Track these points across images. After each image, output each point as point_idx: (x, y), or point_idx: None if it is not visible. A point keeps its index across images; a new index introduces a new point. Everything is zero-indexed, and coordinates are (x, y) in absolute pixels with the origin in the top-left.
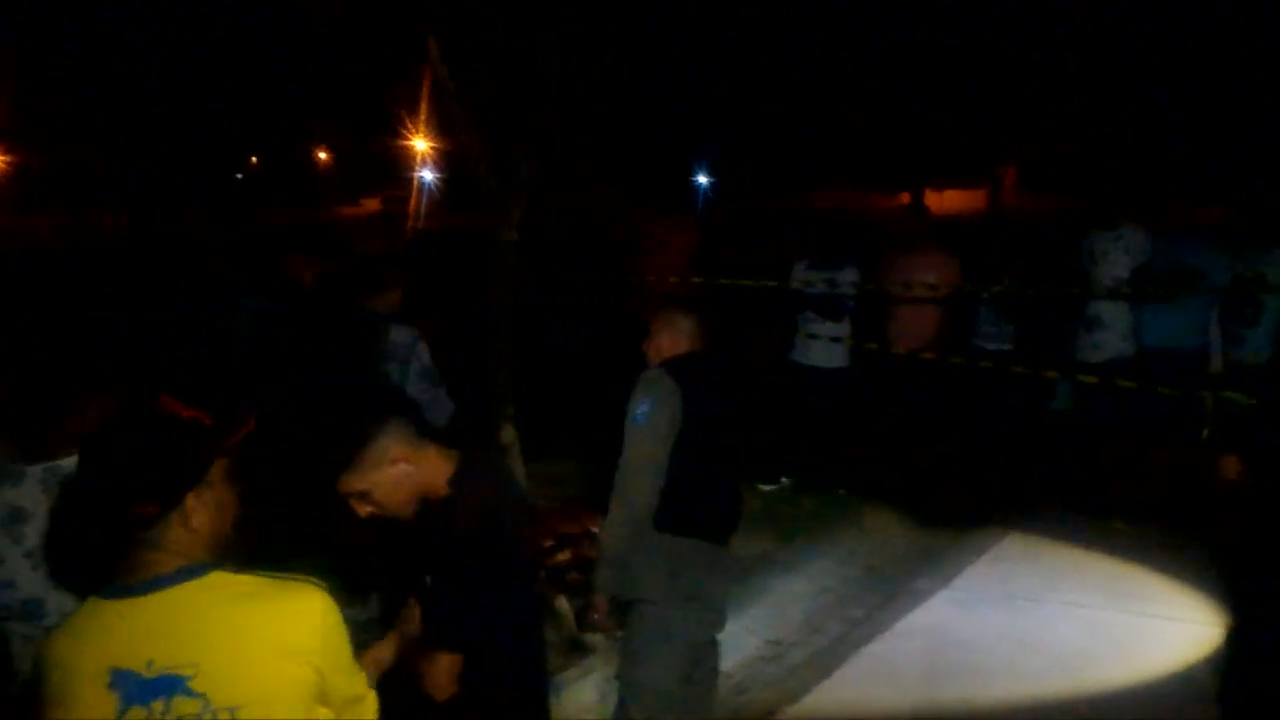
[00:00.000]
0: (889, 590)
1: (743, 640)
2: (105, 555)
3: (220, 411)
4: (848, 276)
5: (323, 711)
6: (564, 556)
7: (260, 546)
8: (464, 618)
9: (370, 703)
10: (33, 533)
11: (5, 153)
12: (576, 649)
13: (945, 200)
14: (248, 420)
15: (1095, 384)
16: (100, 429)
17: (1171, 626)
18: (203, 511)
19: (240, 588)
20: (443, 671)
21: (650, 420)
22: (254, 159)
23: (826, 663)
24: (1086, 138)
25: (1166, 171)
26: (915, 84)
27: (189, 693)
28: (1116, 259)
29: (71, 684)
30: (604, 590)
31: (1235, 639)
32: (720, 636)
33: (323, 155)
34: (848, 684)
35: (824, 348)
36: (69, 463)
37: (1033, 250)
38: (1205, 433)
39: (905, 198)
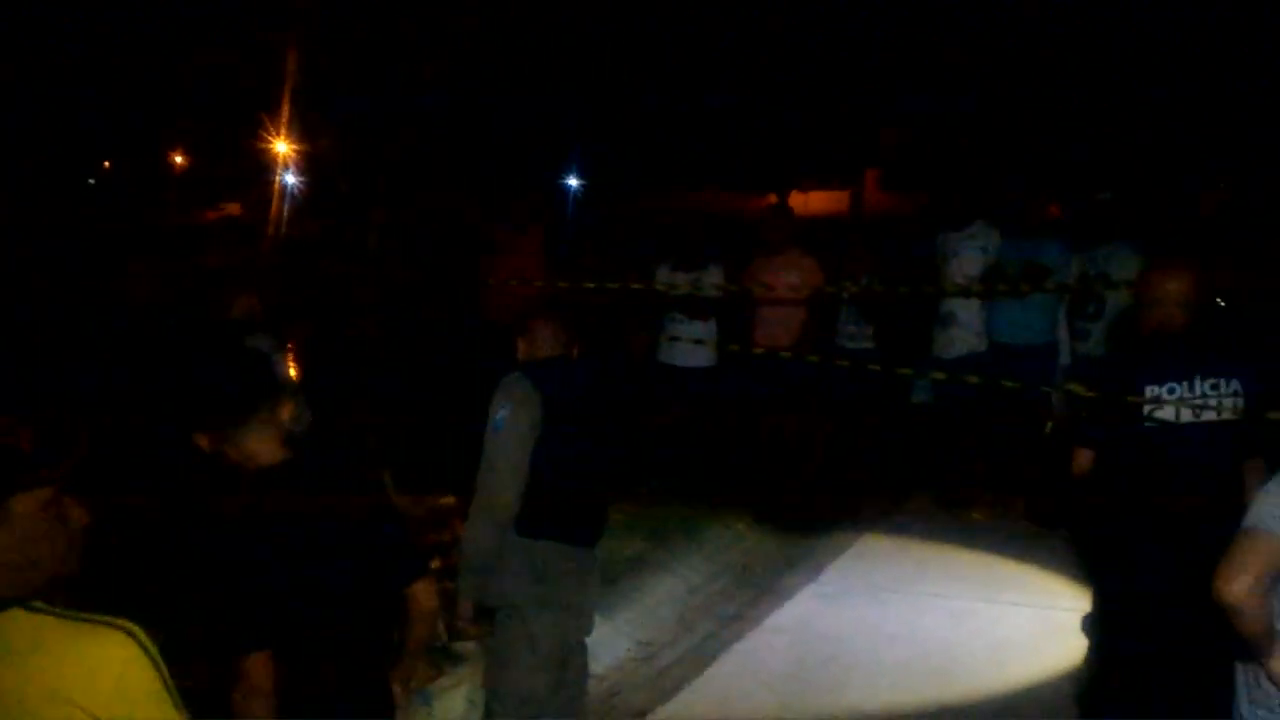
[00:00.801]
0: (758, 588)
1: (614, 642)
2: None
3: (42, 436)
4: (711, 278)
5: None
6: (435, 564)
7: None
8: None
9: None
10: None
11: None
12: (448, 658)
13: (811, 202)
14: (75, 443)
15: (949, 381)
16: None
17: (1032, 613)
18: (6, 543)
19: (35, 629)
20: None
21: (510, 424)
22: (106, 163)
23: (697, 661)
24: (941, 139)
25: (1015, 171)
26: (782, 86)
27: None
28: (968, 257)
29: None
30: (468, 596)
31: (1091, 625)
32: (591, 639)
33: (179, 159)
34: (718, 681)
35: (688, 349)
36: None
37: (891, 250)
38: (1049, 426)
39: (771, 199)
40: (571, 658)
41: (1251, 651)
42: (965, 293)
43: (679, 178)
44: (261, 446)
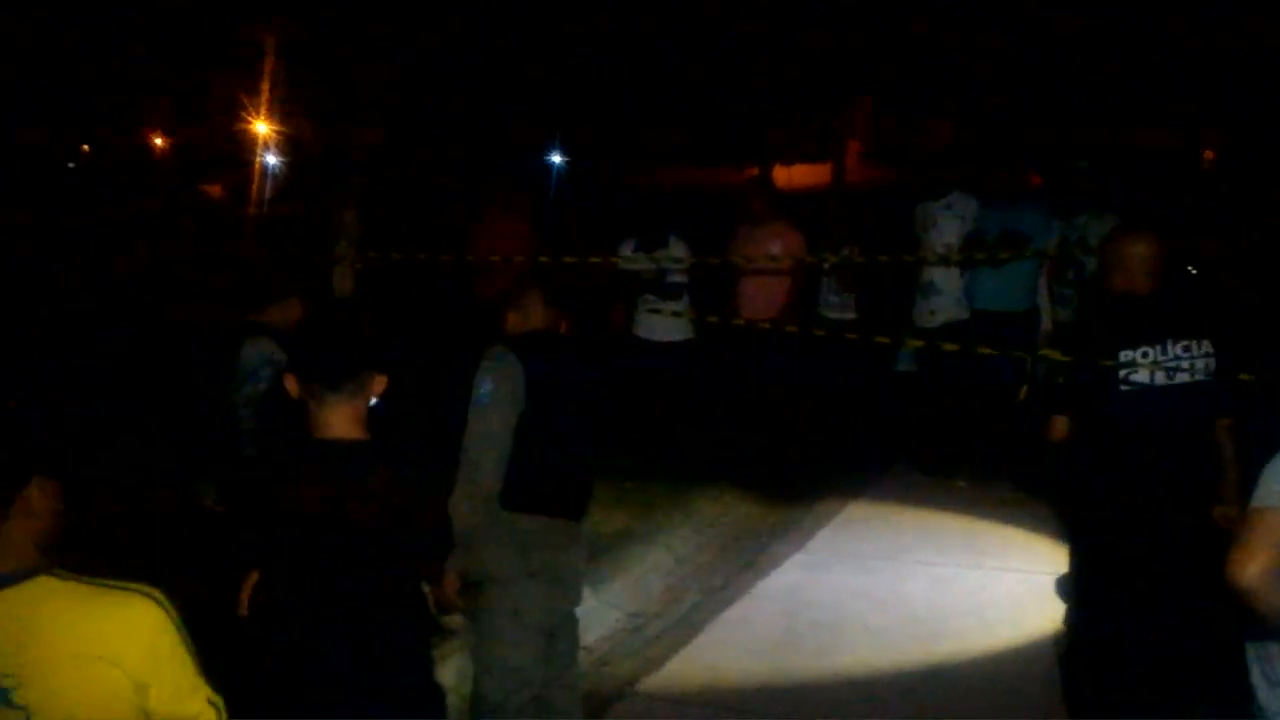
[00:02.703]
0: (745, 558)
1: (603, 614)
2: None
3: (34, 408)
4: (675, 252)
5: None
6: None
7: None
8: None
9: None
10: None
11: None
12: (435, 632)
13: (794, 175)
14: (61, 419)
15: (927, 348)
16: None
17: (1015, 578)
18: (39, 508)
19: (68, 594)
20: None
21: (493, 398)
22: (85, 147)
23: (686, 631)
24: (920, 110)
25: (993, 140)
26: (763, 58)
27: (11, 704)
28: (946, 226)
29: None
30: (454, 569)
31: (1067, 586)
32: (581, 611)
33: (159, 141)
34: (707, 650)
35: (664, 322)
36: None
37: (872, 221)
38: (1024, 391)
39: (754, 172)
40: (560, 629)
41: (1270, 631)
42: (944, 261)
43: (661, 152)
44: (335, 417)
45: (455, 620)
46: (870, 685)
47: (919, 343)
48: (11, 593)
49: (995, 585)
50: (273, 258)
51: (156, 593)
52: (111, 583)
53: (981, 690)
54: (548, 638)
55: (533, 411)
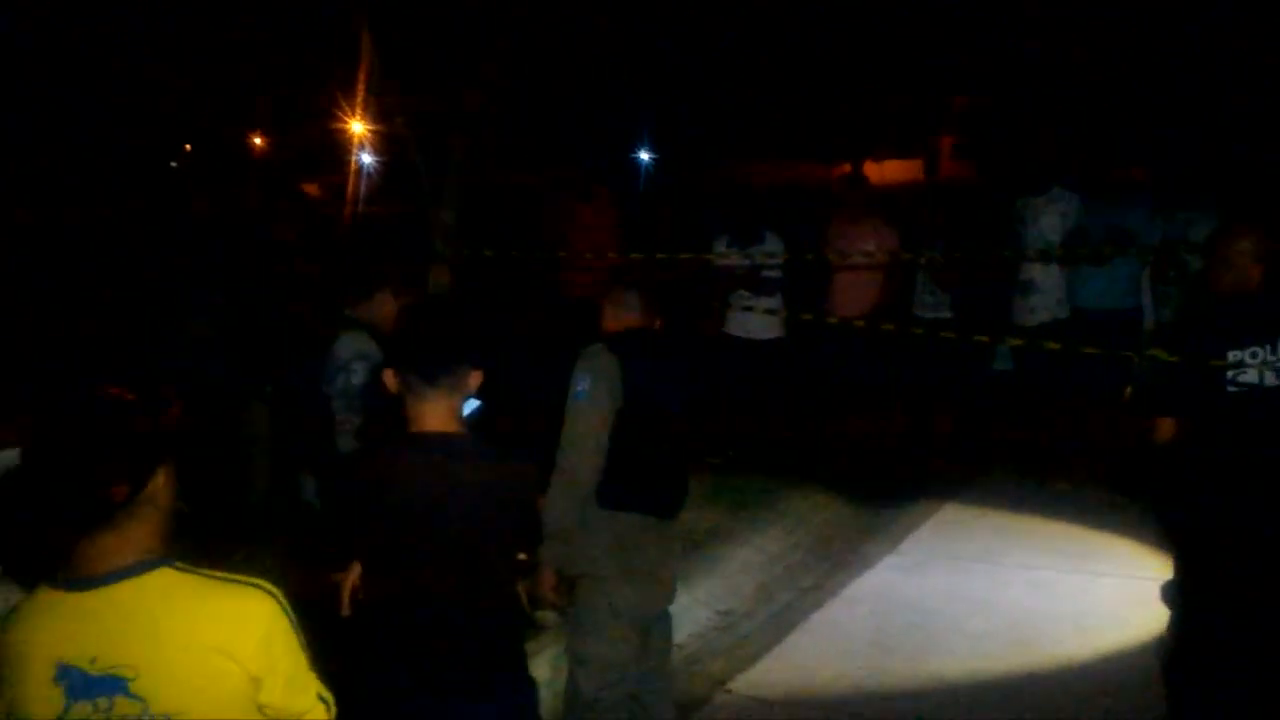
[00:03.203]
0: (837, 558)
1: (694, 612)
2: (56, 546)
3: (151, 396)
4: (769, 248)
5: None
6: None
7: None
8: None
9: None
10: None
11: None
12: (529, 627)
13: (886, 171)
14: (174, 406)
15: (1028, 347)
16: (48, 414)
17: (1117, 583)
18: (162, 496)
19: (186, 587)
20: None
21: (590, 396)
22: (187, 146)
23: (777, 631)
24: (1018, 103)
25: (1097, 134)
26: (855, 56)
27: (129, 695)
28: (1048, 222)
29: (22, 673)
30: (550, 565)
31: (1173, 593)
32: (672, 609)
33: (258, 140)
34: (798, 650)
35: (757, 320)
36: (8, 454)
37: (968, 217)
38: (1128, 392)
39: (846, 168)
40: (654, 626)
41: None
42: (1046, 258)
43: (752, 148)
44: (431, 412)
45: (548, 616)
46: (966, 690)
47: (1018, 341)
48: (133, 584)
49: (1096, 590)
50: (367, 254)
51: (271, 587)
52: (227, 576)
53: (1081, 697)
54: (642, 634)
55: (629, 409)
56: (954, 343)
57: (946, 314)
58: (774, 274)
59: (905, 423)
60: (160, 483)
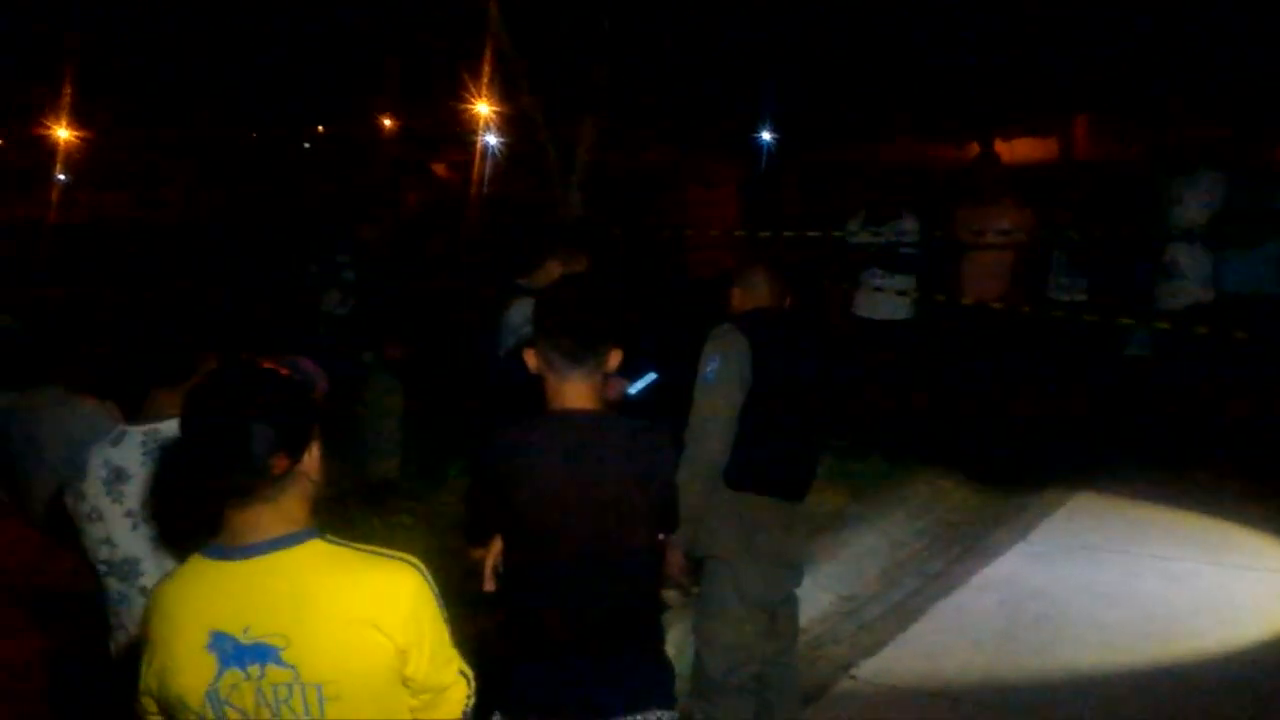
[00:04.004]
0: (964, 545)
1: (818, 596)
2: (212, 516)
3: (303, 371)
4: (907, 226)
5: (405, 695)
6: None
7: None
8: None
9: (455, 696)
10: (132, 493)
11: (77, 130)
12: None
13: (1016, 149)
14: (323, 380)
15: (1173, 331)
16: (208, 387)
17: (1260, 577)
18: (314, 469)
19: (336, 559)
20: None
21: (720, 376)
22: (320, 128)
23: (902, 617)
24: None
25: (1243, 114)
26: (985, 33)
27: (280, 663)
28: (1192, 204)
29: (175, 640)
30: (679, 547)
31: None
32: (797, 592)
33: (387, 122)
34: (924, 637)
35: (888, 301)
36: (169, 426)
37: (1106, 198)
38: None
39: (975, 147)
40: (781, 609)
41: None
42: (1189, 237)
43: (879, 128)
44: (573, 390)
45: (671, 595)
46: (1098, 683)
47: (1163, 325)
48: (286, 555)
49: (1237, 583)
50: (532, 228)
51: (416, 561)
52: (376, 550)
53: (1221, 693)
54: (769, 616)
55: (759, 389)
56: (1087, 326)
57: (1082, 297)
58: (910, 250)
59: (1036, 408)
60: (313, 455)
